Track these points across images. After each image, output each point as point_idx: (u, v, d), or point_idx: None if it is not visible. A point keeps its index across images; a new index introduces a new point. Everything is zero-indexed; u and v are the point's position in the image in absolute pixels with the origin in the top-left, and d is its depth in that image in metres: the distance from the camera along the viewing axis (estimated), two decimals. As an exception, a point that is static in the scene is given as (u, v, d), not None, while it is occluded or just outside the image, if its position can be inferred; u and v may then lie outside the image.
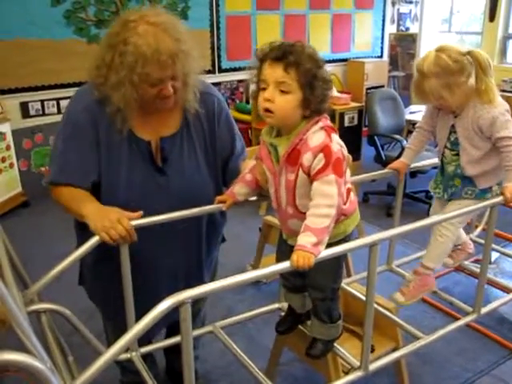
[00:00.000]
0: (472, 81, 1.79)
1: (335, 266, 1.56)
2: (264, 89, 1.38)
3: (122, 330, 1.25)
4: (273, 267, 1.35)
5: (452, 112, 1.89)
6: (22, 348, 0.97)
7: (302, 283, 1.66)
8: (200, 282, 1.81)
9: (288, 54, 1.34)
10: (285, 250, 1.58)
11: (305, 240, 1.32)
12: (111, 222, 1.47)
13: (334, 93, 5.54)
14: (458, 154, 1.92)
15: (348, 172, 1.45)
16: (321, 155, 1.36)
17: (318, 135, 1.38)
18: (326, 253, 1.36)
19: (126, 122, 1.61)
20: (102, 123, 1.62)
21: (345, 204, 1.46)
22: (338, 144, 1.39)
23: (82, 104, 1.63)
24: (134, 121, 1.64)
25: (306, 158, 1.37)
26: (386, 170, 2.12)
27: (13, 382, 1.36)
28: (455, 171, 1.95)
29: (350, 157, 1.47)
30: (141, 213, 1.55)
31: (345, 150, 1.42)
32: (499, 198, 1.79)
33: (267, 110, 1.38)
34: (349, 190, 1.49)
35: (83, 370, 1.12)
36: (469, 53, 1.78)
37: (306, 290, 1.69)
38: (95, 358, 1.13)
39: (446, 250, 1.99)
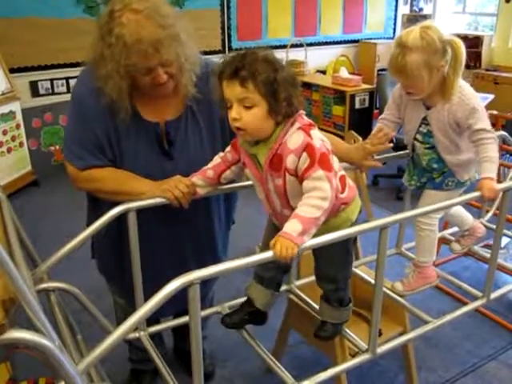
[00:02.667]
0: (447, 70, 1.71)
1: (344, 255, 1.55)
2: (230, 107, 1.35)
3: (134, 308, 1.25)
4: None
5: (423, 104, 1.82)
6: (31, 326, 0.97)
7: (276, 275, 1.63)
8: (214, 257, 1.86)
9: (240, 69, 1.29)
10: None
11: (290, 227, 1.28)
12: (174, 181, 1.55)
13: (345, 74, 5.49)
14: (431, 148, 1.86)
15: (336, 161, 1.43)
16: (304, 154, 1.33)
17: (296, 136, 1.35)
18: (336, 235, 1.35)
19: (124, 111, 1.59)
20: (106, 110, 1.61)
21: (342, 193, 1.44)
22: (319, 139, 1.36)
23: (87, 88, 1.63)
24: (140, 105, 1.64)
25: (290, 161, 1.34)
26: (396, 153, 2.10)
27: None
28: (431, 165, 1.88)
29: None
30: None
31: (327, 144, 1.39)
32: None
33: (238, 129, 1.35)
34: (343, 178, 1.46)
35: (92, 348, 1.13)
36: (449, 41, 1.69)
37: (277, 289, 1.66)
38: (103, 337, 1.13)
39: (432, 242, 1.95)
